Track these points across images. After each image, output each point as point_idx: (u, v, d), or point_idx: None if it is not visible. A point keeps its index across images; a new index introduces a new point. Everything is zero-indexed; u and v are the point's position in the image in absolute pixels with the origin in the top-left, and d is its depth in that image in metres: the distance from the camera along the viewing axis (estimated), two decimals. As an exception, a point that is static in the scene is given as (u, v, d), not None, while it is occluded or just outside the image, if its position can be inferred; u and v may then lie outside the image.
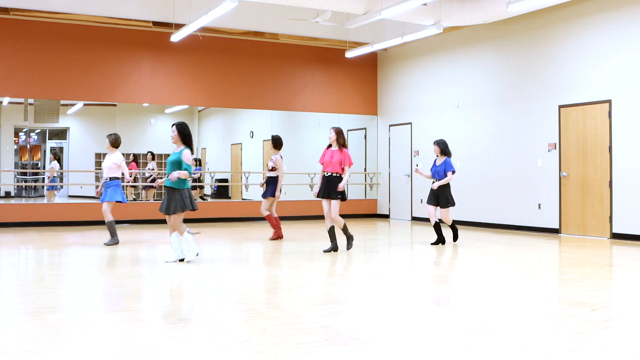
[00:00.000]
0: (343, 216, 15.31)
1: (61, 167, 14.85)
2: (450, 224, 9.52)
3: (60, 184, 14.55)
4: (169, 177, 7.32)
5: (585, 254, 8.51)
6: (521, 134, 11.93)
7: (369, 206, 15.76)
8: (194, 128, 17.38)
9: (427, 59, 14.29)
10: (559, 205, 11.15)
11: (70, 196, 15.46)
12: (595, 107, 10.57)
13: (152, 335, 4.18)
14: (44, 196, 15.61)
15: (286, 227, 12.01)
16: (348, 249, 8.65)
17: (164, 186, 7.46)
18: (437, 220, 9.50)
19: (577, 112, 10.87)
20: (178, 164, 7.33)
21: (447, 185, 9.55)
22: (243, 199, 16.38)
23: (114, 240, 9.27)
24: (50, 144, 16.63)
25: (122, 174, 9.37)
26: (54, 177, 14.44)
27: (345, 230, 8.66)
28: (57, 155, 14.63)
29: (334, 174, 8.42)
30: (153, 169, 15.29)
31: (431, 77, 14.19)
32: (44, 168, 16.49)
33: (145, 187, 15.27)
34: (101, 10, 12.08)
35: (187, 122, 7.11)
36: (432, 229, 9.73)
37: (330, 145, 8.58)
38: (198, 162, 16.29)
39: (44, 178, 16.59)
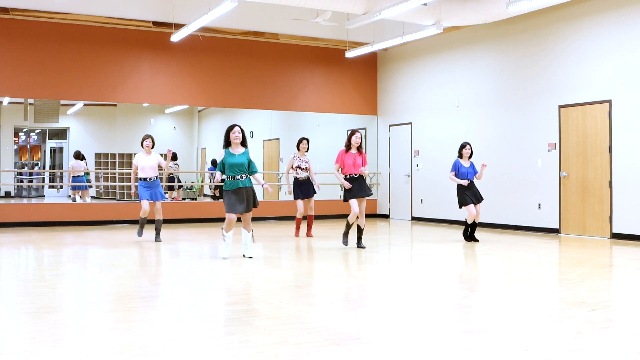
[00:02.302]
0: (343, 216, 15.28)
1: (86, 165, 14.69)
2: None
3: (88, 184, 14.48)
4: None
5: (585, 254, 8.50)
6: (521, 134, 11.93)
7: (369, 206, 15.72)
8: (194, 128, 17.39)
9: (427, 59, 14.29)
10: (559, 205, 11.15)
11: (70, 196, 15.46)
12: (595, 107, 10.57)
13: (152, 335, 4.18)
14: (44, 196, 15.61)
15: (286, 227, 12.02)
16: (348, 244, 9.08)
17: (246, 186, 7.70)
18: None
19: (577, 112, 10.87)
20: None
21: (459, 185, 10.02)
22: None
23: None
24: (50, 144, 16.63)
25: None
26: (79, 176, 14.35)
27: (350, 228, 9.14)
28: (80, 154, 14.55)
29: (360, 175, 8.86)
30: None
31: (431, 77, 14.19)
32: (43, 168, 16.50)
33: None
34: (101, 10, 12.08)
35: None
36: (463, 230, 10.09)
37: (348, 148, 8.83)
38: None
39: (43, 178, 16.59)
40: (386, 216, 15.51)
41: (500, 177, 12.37)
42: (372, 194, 9.04)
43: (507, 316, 4.80)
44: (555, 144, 11.25)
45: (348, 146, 8.83)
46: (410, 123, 14.76)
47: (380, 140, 15.82)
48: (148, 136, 9.77)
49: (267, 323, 4.46)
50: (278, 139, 16.62)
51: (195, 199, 16.62)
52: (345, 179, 8.76)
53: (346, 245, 9.01)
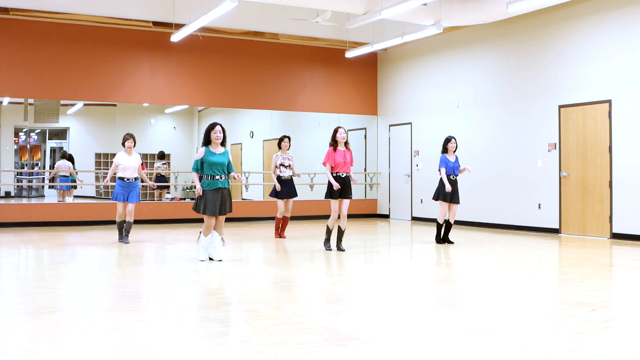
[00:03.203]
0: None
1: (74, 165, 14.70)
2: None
3: (70, 184, 14.50)
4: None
5: (585, 254, 8.50)
6: (521, 134, 11.93)
7: (369, 206, 15.76)
8: (194, 128, 17.39)
9: (427, 59, 14.29)
10: (558, 205, 11.15)
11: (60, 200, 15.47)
12: (595, 107, 10.57)
13: (152, 335, 4.18)
14: (44, 196, 15.61)
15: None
16: (331, 248, 8.72)
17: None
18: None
19: (577, 112, 10.87)
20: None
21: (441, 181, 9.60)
22: (243, 199, 16.38)
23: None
24: (50, 144, 16.63)
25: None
26: (64, 176, 14.34)
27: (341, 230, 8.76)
28: (66, 154, 14.55)
29: (348, 174, 8.52)
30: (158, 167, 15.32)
31: (431, 77, 14.19)
32: (43, 168, 16.49)
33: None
34: (101, 10, 12.09)
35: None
36: (436, 228, 9.73)
37: (335, 145, 8.50)
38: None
39: (43, 178, 16.59)
40: (386, 216, 15.51)
41: (500, 177, 12.37)
42: (351, 197, 8.66)
43: (507, 316, 4.80)
44: (555, 144, 11.25)
45: (334, 144, 8.51)
46: (410, 123, 14.76)
47: (380, 140, 15.81)
48: (130, 136, 9.55)
49: (267, 323, 4.46)
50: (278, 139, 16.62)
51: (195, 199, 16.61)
52: (333, 177, 8.45)
53: (330, 250, 8.66)
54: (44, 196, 15.66)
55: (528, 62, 11.81)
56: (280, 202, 10.25)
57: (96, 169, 15.72)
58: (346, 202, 8.57)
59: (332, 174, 8.48)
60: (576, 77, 10.90)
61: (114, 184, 9.44)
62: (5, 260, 7.98)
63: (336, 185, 8.34)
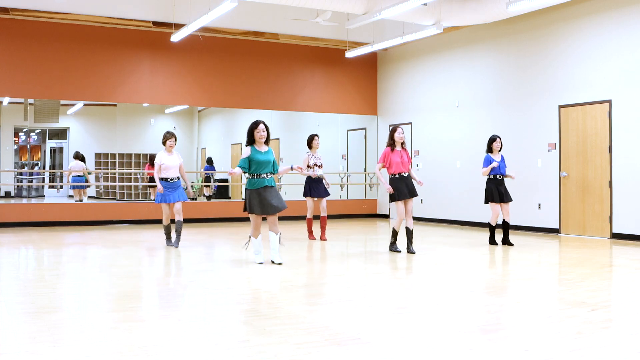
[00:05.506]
0: (343, 216, 15.21)
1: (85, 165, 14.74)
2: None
3: (86, 183, 14.55)
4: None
5: (585, 254, 8.50)
6: (521, 134, 11.93)
7: (369, 206, 15.75)
8: (194, 128, 17.39)
9: (427, 59, 14.29)
10: (558, 205, 11.15)
11: (70, 196, 15.47)
12: (595, 107, 10.57)
13: (152, 335, 4.18)
14: (44, 196, 15.61)
15: (287, 227, 12.01)
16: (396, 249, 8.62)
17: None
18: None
19: (577, 112, 10.87)
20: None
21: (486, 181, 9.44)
22: (243, 199, 16.37)
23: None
24: (50, 144, 16.63)
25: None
26: (78, 176, 14.39)
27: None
28: (79, 155, 14.58)
29: (409, 173, 8.40)
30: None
31: (431, 77, 14.19)
32: (43, 168, 16.49)
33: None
34: (101, 10, 12.09)
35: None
36: (489, 231, 9.51)
37: (393, 146, 8.34)
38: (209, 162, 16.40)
39: (43, 178, 16.60)
40: (386, 216, 15.50)
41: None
42: (417, 195, 8.48)
43: (507, 316, 4.80)
44: (555, 144, 11.25)
45: (392, 144, 8.34)
46: (410, 123, 14.76)
47: (380, 140, 15.80)
48: (172, 135, 9.12)
49: (267, 323, 4.46)
50: (278, 139, 16.63)
51: (195, 199, 16.62)
52: (394, 178, 8.28)
53: (398, 251, 8.51)
54: (44, 196, 15.67)
55: (528, 62, 11.81)
56: (310, 202, 10.06)
57: (96, 169, 15.72)
58: (410, 202, 8.42)
59: (392, 175, 8.33)
60: (576, 77, 10.90)
61: (153, 184, 8.90)
62: (5, 260, 7.98)
63: (390, 188, 8.26)
